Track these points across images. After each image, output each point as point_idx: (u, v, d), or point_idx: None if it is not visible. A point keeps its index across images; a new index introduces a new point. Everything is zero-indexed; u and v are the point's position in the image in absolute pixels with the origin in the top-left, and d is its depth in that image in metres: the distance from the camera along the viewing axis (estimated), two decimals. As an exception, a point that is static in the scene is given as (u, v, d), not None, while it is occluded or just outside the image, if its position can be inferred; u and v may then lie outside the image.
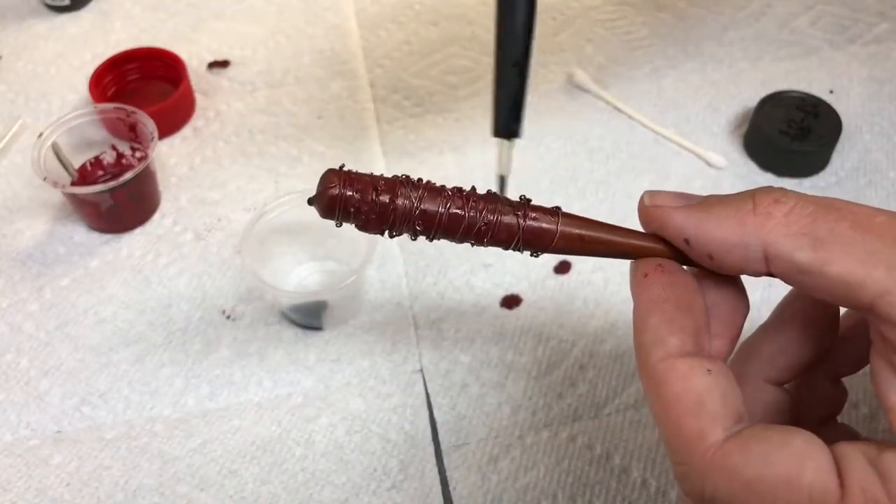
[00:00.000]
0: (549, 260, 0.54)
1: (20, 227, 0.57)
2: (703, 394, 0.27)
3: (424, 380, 0.49)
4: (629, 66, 0.67)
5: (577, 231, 0.30)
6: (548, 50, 0.68)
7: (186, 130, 0.63)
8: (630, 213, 0.56)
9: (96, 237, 0.56)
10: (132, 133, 0.56)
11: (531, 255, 0.31)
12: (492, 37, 0.70)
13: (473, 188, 0.31)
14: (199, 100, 0.64)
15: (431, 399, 0.48)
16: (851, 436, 0.33)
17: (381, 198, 0.29)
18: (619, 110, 0.63)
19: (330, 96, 0.65)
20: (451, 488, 0.45)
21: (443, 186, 0.30)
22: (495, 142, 0.46)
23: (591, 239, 0.31)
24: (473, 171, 0.60)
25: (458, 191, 0.30)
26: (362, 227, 0.29)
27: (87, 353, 0.50)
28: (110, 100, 0.63)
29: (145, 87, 0.65)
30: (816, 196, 0.27)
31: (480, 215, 0.30)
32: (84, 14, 0.72)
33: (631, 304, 0.51)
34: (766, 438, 0.26)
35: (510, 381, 0.49)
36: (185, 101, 0.63)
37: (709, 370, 0.27)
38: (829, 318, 0.32)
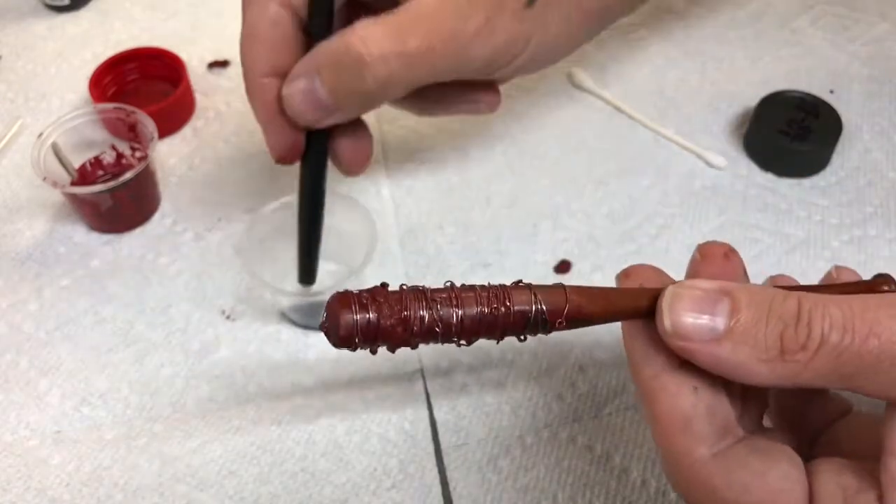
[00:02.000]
0: (549, 259, 0.54)
1: (20, 227, 0.57)
2: (689, 412, 0.29)
3: (424, 380, 0.49)
4: (629, 66, 0.67)
5: (584, 303, 0.30)
6: (548, 50, 0.68)
7: (186, 130, 0.63)
8: (630, 214, 0.57)
9: (96, 237, 0.56)
10: (132, 133, 0.56)
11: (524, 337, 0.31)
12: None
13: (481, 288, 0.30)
14: (199, 100, 0.64)
15: (431, 399, 0.48)
16: (844, 408, 0.34)
17: (398, 312, 0.28)
18: (619, 110, 0.63)
19: (330, 96, 0.65)
20: (451, 488, 0.45)
21: (450, 287, 0.29)
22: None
23: (598, 311, 0.30)
24: (474, 170, 0.60)
25: (464, 287, 0.29)
26: (378, 346, 0.29)
27: (87, 353, 0.50)
28: (110, 100, 0.63)
29: (145, 87, 0.65)
30: (839, 312, 0.27)
31: (497, 305, 0.29)
32: (84, 14, 0.72)
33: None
34: (746, 465, 0.28)
35: (510, 381, 0.49)
36: (185, 101, 0.63)
37: (695, 387, 0.29)
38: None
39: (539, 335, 0.30)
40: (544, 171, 0.60)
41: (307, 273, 0.48)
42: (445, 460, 0.46)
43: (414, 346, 0.29)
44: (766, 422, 0.34)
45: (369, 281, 0.53)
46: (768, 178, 0.59)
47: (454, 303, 0.29)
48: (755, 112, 0.60)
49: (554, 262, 0.54)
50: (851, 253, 0.54)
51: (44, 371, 0.50)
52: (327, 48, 0.41)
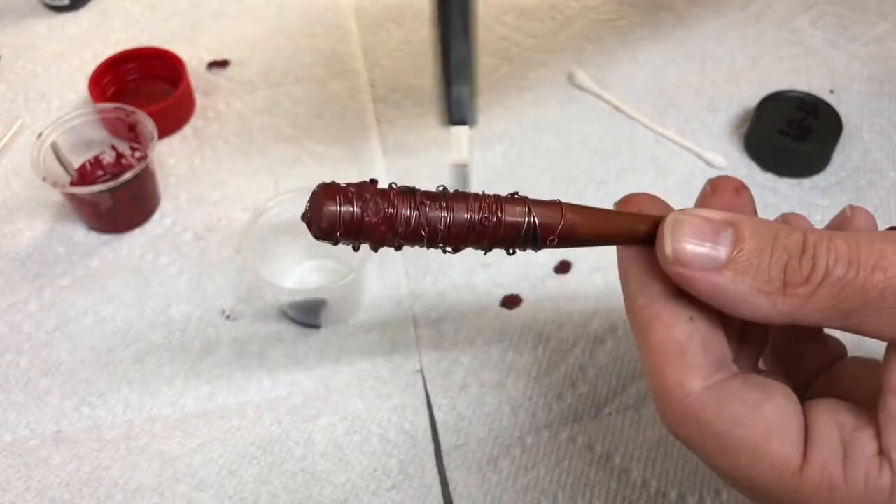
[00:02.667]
0: (549, 260, 0.54)
1: (20, 227, 0.57)
2: (684, 343, 0.28)
3: (424, 380, 0.49)
4: (629, 66, 0.67)
5: (580, 221, 0.30)
6: (548, 50, 0.68)
7: (186, 130, 0.63)
8: (630, 213, 0.56)
9: (96, 237, 0.56)
10: (132, 133, 0.56)
11: (524, 250, 0.30)
12: (493, 35, 0.70)
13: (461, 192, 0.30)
14: (199, 100, 0.64)
15: (431, 399, 0.48)
16: (838, 354, 0.33)
17: (384, 209, 0.27)
18: (619, 110, 0.63)
19: (330, 96, 0.65)
20: (451, 488, 0.45)
21: (441, 192, 0.29)
22: (451, 131, 0.42)
23: (593, 231, 0.30)
24: (473, 171, 0.59)
25: (456, 193, 0.29)
26: (361, 243, 0.28)
27: (87, 353, 0.50)
28: (110, 99, 0.63)
29: (145, 86, 0.65)
30: (845, 247, 0.26)
31: (488, 215, 0.29)
32: (84, 14, 0.72)
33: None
34: (741, 398, 0.27)
35: (510, 381, 0.49)
36: (185, 100, 0.63)
37: (691, 317, 0.28)
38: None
39: (528, 250, 0.30)
40: (544, 171, 0.60)
41: (459, 105, 0.40)
42: (445, 460, 0.46)
43: (398, 247, 0.28)
44: (761, 365, 0.34)
45: (369, 280, 0.53)
46: (768, 178, 0.59)
47: (443, 206, 0.28)
48: (755, 112, 0.60)
49: (554, 263, 0.54)
50: (851, 253, 0.54)
51: (44, 371, 0.50)
52: None
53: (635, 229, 0.30)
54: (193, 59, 0.67)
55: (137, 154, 0.57)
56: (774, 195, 0.58)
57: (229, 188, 0.59)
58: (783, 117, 0.59)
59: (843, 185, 0.58)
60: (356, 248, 0.28)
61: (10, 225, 0.57)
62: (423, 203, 0.28)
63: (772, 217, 0.58)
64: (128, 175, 0.52)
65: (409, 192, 0.28)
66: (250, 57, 0.68)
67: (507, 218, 0.29)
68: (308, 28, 0.70)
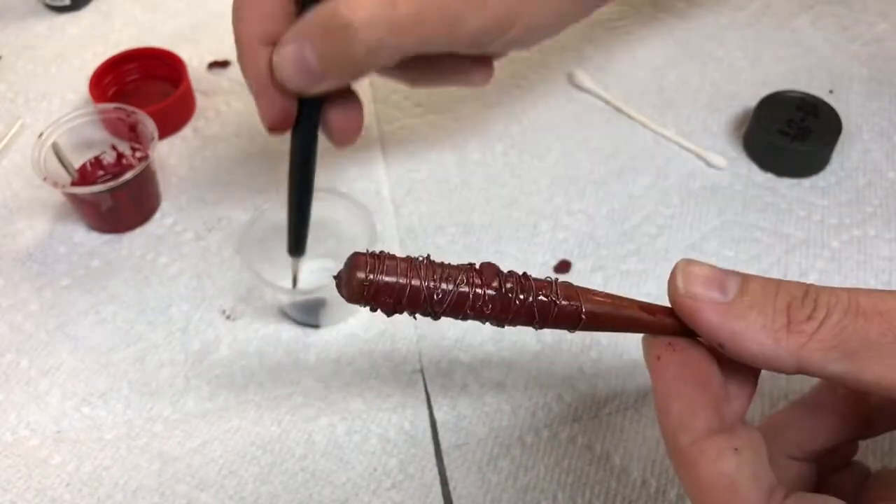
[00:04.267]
0: (549, 259, 0.54)
1: (20, 227, 0.57)
2: (734, 476, 0.28)
3: (424, 380, 0.49)
4: (629, 66, 0.67)
5: (603, 312, 0.31)
6: (548, 50, 0.68)
7: (186, 130, 0.63)
8: (630, 214, 0.57)
9: (96, 237, 0.56)
10: (132, 133, 0.56)
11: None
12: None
13: (498, 271, 0.31)
14: (200, 100, 0.64)
15: (431, 399, 0.48)
16: (863, 473, 0.34)
17: (413, 283, 0.29)
18: (619, 110, 0.64)
19: (330, 96, 0.65)
20: (451, 488, 0.45)
21: (471, 266, 0.30)
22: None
23: (613, 321, 0.31)
24: (473, 171, 0.60)
25: (489, 270, 0.30)
26: (389, 312, 0.30)
27: (87, 352, 0.50)
28: (110, 100, 0.63)
29: (145, 87, 0.65)
30: (845, 293, 0.28)
31: (513, 295, 0.30)
32: (84, 14, 0.72)
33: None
34: None
35: (510, 381, 0.49)
36: (186, 101, 0.63)
37: (736, 448, 0.28)
38: (864, 408, 0.32)
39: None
40: (544, 171, 0.60)
41: (297, 243, 0.48)
42: (445, 460, 0.46)
43: (419, 315, 0.30)
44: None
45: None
46: (768, 178, 0.59)
47: (474, 283, 0.30)
48: (755, 112, 0.60)
49: (554, 262, 0.54)
50: (851, 253, 0.54)
51: (44, 371, 0.50)
52: (316, 14, 0.41)
53: (647, 315, 0.31)
54: (194, 60, 0.67)
55: (138, 154, 0.57)
56: (774, 195, 0.58)
57: (230, 188, 0.59)
58: (783, 117, 0.59)
59: (843, 185, 0.58)
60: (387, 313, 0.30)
61: (10, 225, 0.57)
62: (457, 272, 0.30)
63: (772, 217, 0.58)
64: (128, 175, 0.52)
65: (436, 265, 0.30)
66: (250, 57, 0.68)
67: (538, 298, 0.30)
68: (308, 28, 0.70)
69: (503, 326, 0.31)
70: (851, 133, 0.61)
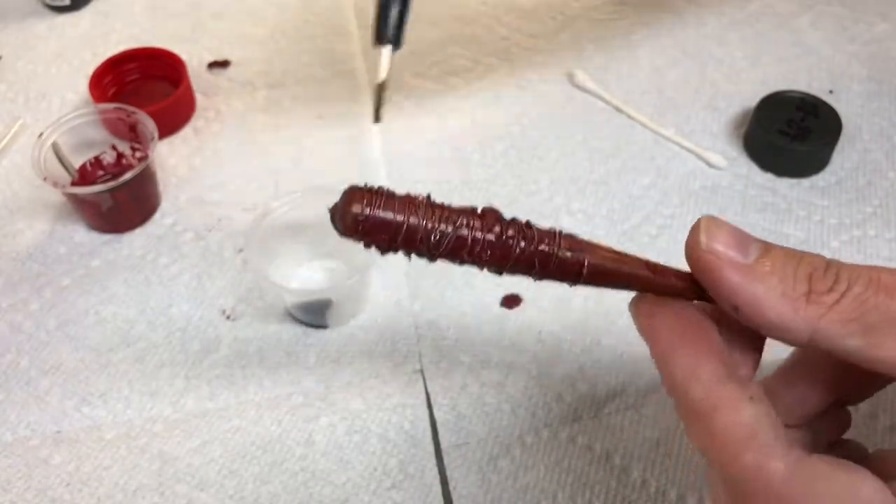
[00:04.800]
0: (549, 260, 0.54)
1: (20, 227, 0.57)
2: (754, 424, 0.27)
3: (424, 380, 0.49)
4: (629, 67, 0.67)
5: (606, 267, 0.30)
6: (548, 50, 0.68)
7: (186, 130, 0.63)
8: (630, 214, 0.57)
9: (96, 237, 0.56)
10: (132, 133, 0.56)
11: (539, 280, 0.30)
12: (492, 36, 0.70)
13: (499, 215, 0.29)
14: (199, 100, 0.64)
15: (431, 399, 0.48)
16: (861, 453, 0.33)
17: (411, 221, 0.28)
18: (619, 110, 0.64)
19: (330, 96, 0.65)
20: (451, 488, 0.45)
21: (473, 209, 0.29)
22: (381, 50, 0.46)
23: (616, 278, 0.30)
24: (473, 171, 0.60)
25: (491, 215, 0.29)
26: (384, 249, 0.28)
27: (87, 352, 0.50)
28: (110, 100, 0.63)
29: (145, 87, 0.65)
30: (866, 269, 0.27)
31: (513, 243, 0.29)
32: (84, 14, 0.72)
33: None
34: (830, 477, 0.26)
35: (510, 381, 0.49)
36: (185, 101, 0.63)
37: (751, 397, 0.27)
38: (853, 369, 0.31)
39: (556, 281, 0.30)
40: (544, 171, 0.60)
41: (392, 28, 0.44)
42: (445, 460, 0.46)
43: (414, 255, 0.29)
44: None
45: (371, 280, 0.53)
46: (768, 178, 0.59)
47: (474, 225, 0.28)
48: (755, 112, 0.60)
49: (554, 262, 0.54)
50: (851, 253, 0.54)
51: (44, 371, 0.50)
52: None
53: (654, 277, 0.30)
54: (194, 60, 0.67)
55: (138, 154, 0.57)
56: (774, 195, 0.58)
57: (229, 188, 0.59)
58: (783, 117, 0.59)
59: (843, 185, 0.58)
60: (381, 251, 0.29)
61: (10, 225, 0.57)
62: (455, 213, 0.28)
63: (772, 217, 0.58)
64: (128, 175, 0.52)
65: (436, 206, 0.29)
66: (250, 57, 0.68)
67: (539, 248, 0.29)
68: (308, 28, 0.70)
69: (501, 274, 0.30)
70: (851, 133, 0.61)
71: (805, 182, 0.59)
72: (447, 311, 0.52)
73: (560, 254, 0.29)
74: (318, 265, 0.54)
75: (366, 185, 0.28)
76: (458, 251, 0.28)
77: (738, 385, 0.27)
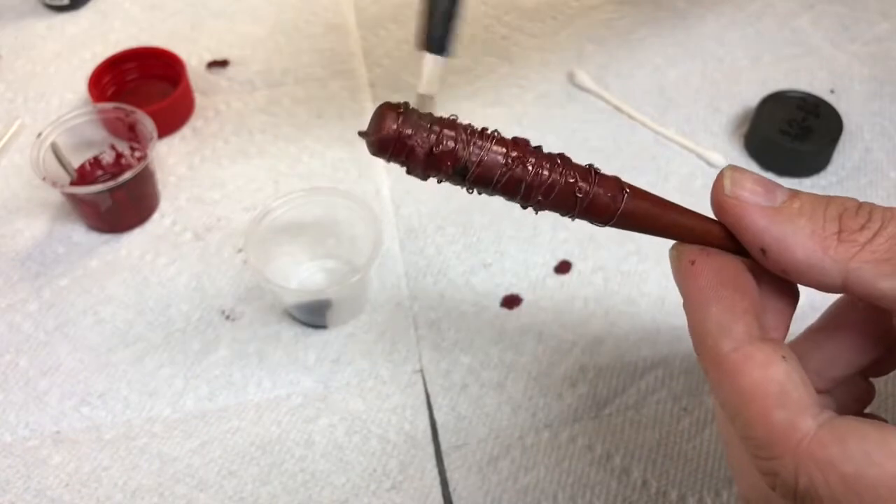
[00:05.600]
0: (549, 260, 0.54)
1: (19, 227, 0.57)
2: (785, 382, 0.26)
3: (424, 380, 0.49)
4: (629, 66, 0.67)
5: (641, 208, 0.29)
6: (548, 50, 0.68)
7: (186, 130, 0.63)
8: (630, 213, 0.56)
9: (95, 237, 0.56)
10: (131, 133, 0.56)
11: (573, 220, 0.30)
12: (492, 36, 0.70)
13: (539, 147, 0.28)
14: (199, 99, 0.64)
15: (431, 399, 0.48)
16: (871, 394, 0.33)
17: (445, 143, 0.26)
18: (620, 110, 0.63)
19: (330, 96, 0.65)
20: (451, 489, 0.45)
21: (511, 139, 0.28)
22: (425, 58, 0.41)
23: (654, 219, 0.30)
24: (473, 170, 0.59)
25: (525, 145, 0.28)
26: (412, 171, 0.27)
27: (86, 353, 0.50)
28: (109, 99, 0.63)
29: (144, 86, 0.65)
30: None
31: (548, 174, 0.27)
32: (83, 13, 0.72)
33: (631, 305, 0.51)
34: (864, 434, 0.25)
35: (510, 381, 0.49)
36: (185, 100, 0.63)
37: (783, 356, 0.26)
38: (884, 327, 0.30)
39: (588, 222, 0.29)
40: (544, 170, 0.60)
41: (439, 36, 0.40)
42: (445, 461, 0.46)
43: (444, 179, 0.28)
44: None
45: (370, 281, 0.53)
46: (769, 178, 0.59)
47: (507, 157, 0.27)
48: (755, 112, 0.60)
49: (554, 263, 0.54)
50: (852, 253, 0.54)
51: (43, 371, 0.50)
52: None
53: (691, 221, 0.29)
54: (193, 59, 0.67)
55: (137, 154, 0.57)
56: (775, 195, 0.58)
57: (229, 188, 0.59)
58: (784, 117, 0.59)
59: (844, 185, 0.58)
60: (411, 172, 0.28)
61: (9, 225, 0.57)
62: (489, 139, 0.27)
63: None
64: (127, 175, 0.52)
65: (470, 128, 0.27)
66: (250, 57, 0.68)
67: (572, 181, 0.28)
68: (308, 28, 0.70)
69: (527, 207, 0.28)
70: (852, 133, 0.61)
71: (806, 182, 0.59)
72: (447, 311, 0.52)
73: (596, 190, 0.28)
74: (317, 265, 0.54)
75: (399, 103, 0.27)
76: (490, 176, 0.27)
77: (771, 343, 0.26)
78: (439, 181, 0.28)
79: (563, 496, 0.44)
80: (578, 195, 0.28)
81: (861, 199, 0.57)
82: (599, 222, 0.29)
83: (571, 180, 0.28)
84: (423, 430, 0.47)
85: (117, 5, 0.72)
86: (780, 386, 0.26)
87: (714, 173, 0.59)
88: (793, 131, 0.58)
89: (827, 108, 0.60)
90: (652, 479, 0.45)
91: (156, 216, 0.57)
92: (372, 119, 0.27)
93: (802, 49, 0.68)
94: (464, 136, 0.27)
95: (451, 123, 0.27)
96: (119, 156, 0.58)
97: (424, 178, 0.28)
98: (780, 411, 0.25)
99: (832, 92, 0.64)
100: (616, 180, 0.29)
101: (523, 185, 0.27)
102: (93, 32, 0.70)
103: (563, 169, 0.28)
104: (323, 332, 0.51)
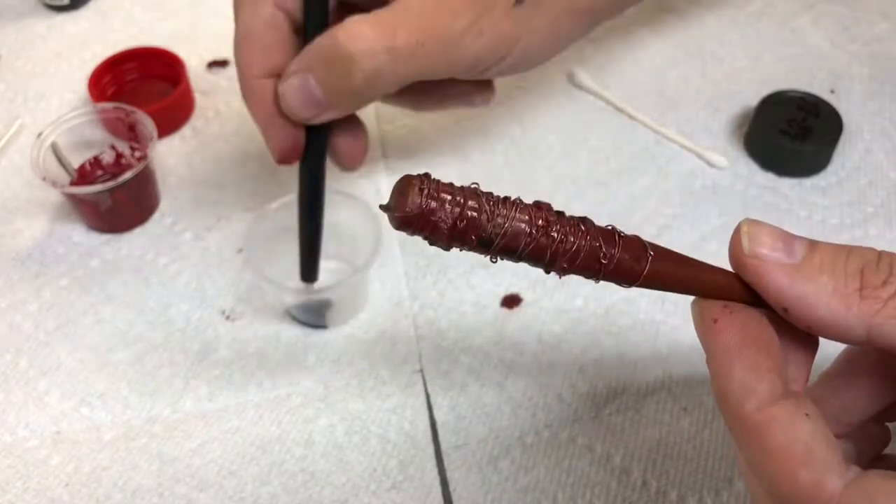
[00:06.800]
0: (550, 260, 0.54)
1: (19, 227, 0.57)
2: (810, 441, 0.26)
3: (424, 380, 0.49)
4: (629, 66, 0.67)
5: (665, 269, 0.29)
6: (548, 49, 0.68)
7: (186, 130, 0.63)
8: (630, 214, 0.56)
9: (95, 237, 0.56)
10: (131, 133, 0.56)
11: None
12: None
13: (562, 214, 0.28)
14: (199, 99, 0.64)
15: (431, 399, 0.48)
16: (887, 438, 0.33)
17: (469, 215, 0.26)
18: (620, 110, 0.63)
19: (330, 96, 0.64)
20: (451, 489, 0.45)
21: (534, 205, 0.28)
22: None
23: (678, 279, 0.29)
24: (473, 171, 0.59)
25: (549, 210, 0.28)
26: (436, 243, 0.27)
27: (86, 353, 0.50)
28: (109, 99, 0.63)
29: (144, 86, 0.65)
30: None
31: (573, 241, 0.27)
32: (83, 13, 0.72)
33: (631, 305, 0.51)
34: (891, 492, 0.25)
35: (510, 381, 0.49)
36: (185, 100, 0.63)
37: (807, 414, 0.26)
38: None
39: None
40: (544, 171, 0.60)
41: (309, 270, 0.49)
42: (445, 461, 0.46)
43: (466, 249, 0.28)
44: None
45: (371, 280, 0.53)
46: (769, 178, 0.59)
47: (531, 226, 0.27)
48: (756, 112, 0.60)
49: (554, 262, 0.54)
50: (852, 253, 0.54)
51: (43, 371, 0.50)
52: (318, 45, 0.42)
53: (711, 277, 0.29)
54: (193, 59, 0.67)
55: (137, 154, 0.57)
56: (775, 195, 0.58)
57: (229, 188, 0.59)
58: (784, 117, 0.59)
59: (844, 185, 0.58)
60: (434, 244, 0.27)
61: (9, 225, 0.57)
62: (514, 207, 0.27)
63: (773, 217, 0.58)
64: (127, 175, 0.52)
65: (492, 196, 0.28)
66: (250, 57, 0.67)
67: (595, 246, 0.28)
68: (308, 28, 0.70)
69: (550, 272, 0.28)
70: (852, 133, 0.61)
71: (806, 182, 0.59)
72: (447, 311, 0.52)
73: (620, 256, 0.28)
74: (317, 265, 0.54)
75: (419, 175, 0.26)
76: (516, 245, 0.27)
77: (795, 401, 0.27)
78: (461, 250, 0.28)
79: (563, 496, 0.44)
80: (603, 261, 0.28)
81: (861, 200, 0.58)
82: (624, 284, 0.29)
83: (596, 244, 0.27)
84: (423, 430, 0.47)
85: (117, 5, 0.72)
86: (805, 445, 0.26)
87: (714, 173, 0.59)
88: (793, 131, 0.58)
89: (827, 108, 0.60)
90: (652, 479, 0.45)
91: (156, 216, 0.57)
92: (393, 193, 0.27)
93: (802, 49, 0.68)
94: (487, 208, 0.27)
95: (474, 193, 0.27)
96: (119, 156, 0.58)
97: (448, 249, 0.27)
98: (807, 471, 0.26)
99: (832, 92, 0.64)
100: (639, 241, 0.29)
101: (548, 253, 0.27)
102: (93, 32, 0.70)
103: (587, 234, 0.27)
104: (323, 332, 0.51)
